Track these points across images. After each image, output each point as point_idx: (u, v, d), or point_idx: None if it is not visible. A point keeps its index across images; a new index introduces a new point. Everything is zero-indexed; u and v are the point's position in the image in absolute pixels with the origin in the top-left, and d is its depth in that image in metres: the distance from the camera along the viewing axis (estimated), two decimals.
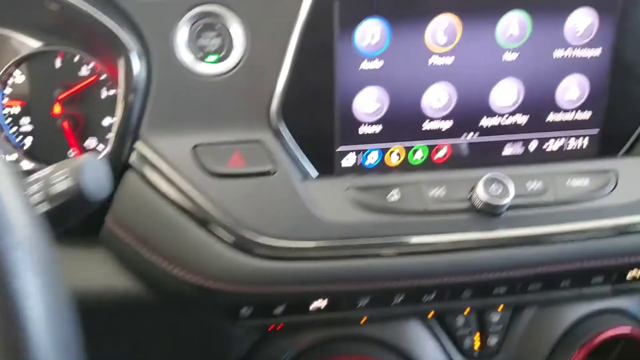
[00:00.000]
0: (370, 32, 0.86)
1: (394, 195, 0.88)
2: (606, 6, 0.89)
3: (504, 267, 0.88)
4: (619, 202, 0.91)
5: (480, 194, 0.86)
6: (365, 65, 0.87)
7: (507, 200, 0.85)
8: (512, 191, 0.85)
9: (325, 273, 0.85)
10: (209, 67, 0.87)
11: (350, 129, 0.91)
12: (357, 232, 0.86)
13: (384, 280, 0.86)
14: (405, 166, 0.94)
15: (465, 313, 1.00)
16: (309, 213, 0.85)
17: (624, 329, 1.01)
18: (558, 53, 0.91)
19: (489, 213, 0.88)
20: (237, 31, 0.86)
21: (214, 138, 0.86)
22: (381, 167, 0.94)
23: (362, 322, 0.96)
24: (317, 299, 0.92)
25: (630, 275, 1.00)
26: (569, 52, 0.91)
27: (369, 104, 0.90)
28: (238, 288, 0.83)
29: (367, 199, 0.88)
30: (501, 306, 1.00)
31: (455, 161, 0.95)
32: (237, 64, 0.87)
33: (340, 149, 0.92)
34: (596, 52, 0.91)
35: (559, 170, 0.92)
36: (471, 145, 0.95)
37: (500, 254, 0.87)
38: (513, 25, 0.88)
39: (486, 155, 0.95)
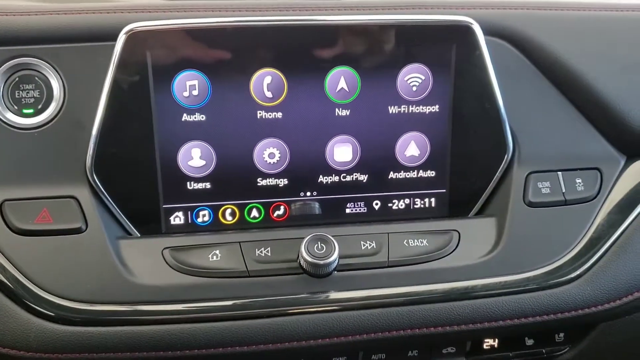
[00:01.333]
0: (189, 84, 0.83)
1: (216, 256, 0.83)
2: (438, 62, 0.87)
3: (333, 332, 0.82)
4: (458, 265, 0.86)
5: (304, 253, 0.81)
6: (187, 118, 0.84)
7: (330, 260, 0.80)
8: (336, 250, 0.81)
9: (132, 339, 0.78)
10: (25, 120, 0.84)
11: (175, 186, 0.86)
12: (170, 296, 0.80)
13: (198, 347, 0.79)
14: (242, 225, 0.89)
15: None
16: (118, 274, 0.80)
17: None
18: (393, 109, 0.88)
19: (316, 274, 0.82)
20: (54, 83, 0.84)
21: (24, 193, 0.82)
22: (215, 226, 0.89)
23: None
24: None
25: (486, 344, 0.94)
26: (404, 108, 0.88)
27: (194, 160, 0.86)
28: (32, 355, 0.77)
29: (185, 260, 0.83)
30: None
31: (296, 220, 0.91)
32: (55, 116, 0.84)
33: (166, 206, 0.87)
34: (434, 108, 0.89)
35: (398, 230, 0.88)
36: (311, 203, 0.91)
37: (329, 317, 0.81)
38: (341, 81, 0.86)
39: (329, 214, 0.91)
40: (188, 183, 0.87)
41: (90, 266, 0.80)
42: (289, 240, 0.85)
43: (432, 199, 0.93)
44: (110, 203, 0.83)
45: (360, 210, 0.92)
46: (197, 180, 0.87)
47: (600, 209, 0.90)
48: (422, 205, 0.93)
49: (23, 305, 0.77)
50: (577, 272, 0.86)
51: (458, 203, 0.93)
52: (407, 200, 0.93)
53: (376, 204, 0.92)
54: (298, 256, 0.83)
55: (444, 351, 0.93)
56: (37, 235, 0.80)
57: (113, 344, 0.77)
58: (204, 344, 0.78)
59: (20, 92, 0.83)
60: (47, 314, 0.77)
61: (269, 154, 0.87)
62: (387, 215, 0.92)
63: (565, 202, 0.90)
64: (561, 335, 0.94)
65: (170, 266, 0.81)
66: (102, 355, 0.77)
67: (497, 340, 0.94)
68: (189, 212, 0.88)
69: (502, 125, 0.90)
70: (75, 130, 0.84)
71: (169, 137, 0.84)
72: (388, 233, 0.87)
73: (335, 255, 0.81)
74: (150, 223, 0.86)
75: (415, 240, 0.87)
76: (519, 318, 0.84)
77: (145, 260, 0.82)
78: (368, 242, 0.86)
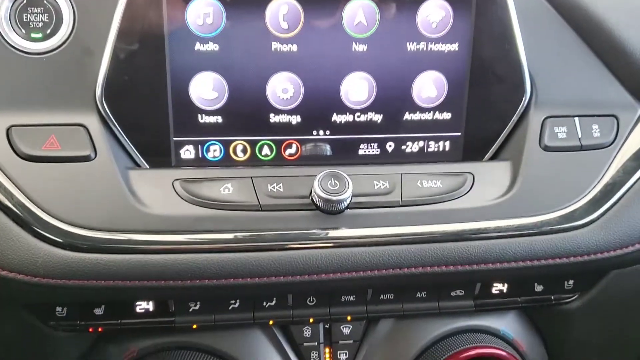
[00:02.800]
0: (203, 11, 0.80)
1: (227, 189, 0.82)
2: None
3: (344, 268, 0.81)
4: (471, 206, 0.84)
5: (317, 189, 0.79)
6: (200, 47, 0.81)
7: (343, 196, 0.79)
8: (349, 187, 0.79)
9: (142, 267, 0.77)
10: (33, 45, 0.81)
11: (186, 118, 0.85)
12: (181, 226, 0.79)
13: (209, 278, 0.78)
14: (254, 162, 0.88)
15: (312, 321, 0.92)
16: (128, 203, 0.78)
17: (491, 350, 0.94)
18: (412, 46, 0.86)
19: (329, 211, 0.81)
20: (64, 7, 0.81)
21: (31, 120, 0.80)
22: (226, 162, 0.87)
23: (193, 327, 0.88)
24: (137, 299, 0.84)
25: (495, 289, 0.94)
26: (423, 45, 0.86)
27: (206, 91, 0.84)
28: (39, 280, 0.75)
29: (196, 192, 0.81)
30: (349, 317, 0.92)
31: (307, 160, 0.89)
32: (64, 42, 0.82)
33: (177, 139, 0.85)
34: (453, 47, 0.87)
35: (411, 171, 0.87)
36: (324, 143, 0.89)
37: (340, 253, 0.80)
38: (360, 13, 0.83)
39: (341, 155, 0.89)
40: (199, 116, 0.85)
41: (100, 194, 0.78)
42: (302, 177, 0.83)
43: (447, 143, 0.92)
44: (120, 133, 0.81)
45: (373, 151, 0.90)
46: (209, 113, 0.85)
47: (616, 156, 0.89)
48: (436, 149, 0.91)
49: (31, 231, 0.75)
50: (591, 217, 0.85)
51: (473, 147, 0.91)
52: (421, 143, 0.91)
53: (389, 145, 0.90)
54: (311, 192, 0.81)
55: (453, 294, 0.92)
56: (45, 162, 0.78)
57: (122, 272, 0.76)
58: (215, 274, 0.77)
59: (29, 15, 0.81)
60: (55, 240, 0.75)
61: (283, 88, 0.85)
62: (400, 158, 0.90)
63: (581, 148, 0.89)
64: (570, 282, 0.94)
65: (181, 197, 0.80)
66: (110, 283, 0.76)
67: (506, 285, 0.93)
68: (200, 146, 0.86)
69: (521, 67, 0.89)
70: (84, 57, 0.81)
71: (181, 66, 0.82)
72: (402, 174, 0.86)
73: (348, 192, 0.79)
74: (160, 155, 0.85)
75: (429, 181, 0.86)
76: (531, 260, 0.83)
77: (156, 190, 0.80)
78: (381, 181, 0.84)
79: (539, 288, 0.94)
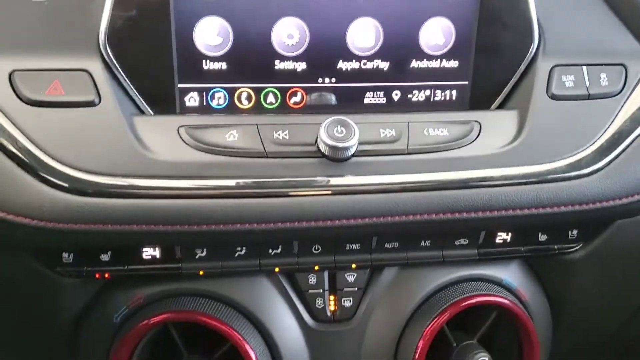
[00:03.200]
0: None
1: (233, 136, 0.81)
2: None
3: (350, 214, 0.81)
4: (478, 154, 0.84)
5: (323, 136, 0.79)
6: None
7: (350, 143, 0.79)
8: (356, 134, 0.79)
9: (148, 212, 0.77)
10: None
11: (191, 64, 0.84)
12: (187, 172, 0.78)
13: (215, 223, 0.78)
14: (258, 110, 0.87)
15: (317, 269, 0.92)
16: (134, 149, 0.78)
17: (494, 298, 0.95)
18: None
19: (334, 158, 0.81)
20: None
21: (34, 64, 0.79)
22: (231, 110, 0.87)
23: (200, 274, 0.88)
24: (143, 245, 0.85)
25: (499, 238, 0.94)
26: None
27: (211, 37, 0.83)
28: (45, 225, 0.75)
29: (202, 138, 0.81)
30: (354, 265, 0.93)
31: (312, 109, 0.88)
32: None
33: (181, 85, 0.84)
34: None
35: (418, 119, 0.86)
36: (329, 91, 0.88)
37: (345, 200, 0.80)
38: None
39: (346, 104, 0.88)
40: (204, 62, 0.84)
41: (105, 140, 0.78)
42: (307, 125, 0.83)
43: (454, 91, 0.91)
44: (124, 79, 0.80)
45: (379, 100, 0.90)
46: (213, 59, 0.84)
47: (623, 105, 0.88)
48: (442, 98, 0.91)
49: (36, 176, 0.75)
50: (597, 166, 0.85)
51: (480, 96, 0.91)
52: (427, 92, 0.90)
53: (396, 94, 0.90)
54: (317, 139, 0.81)
55: (457, 242, 0.93)
56: (49, 107, 0.78)
57: (128, 217, 0.76)
58: (221, 220, 0.77)
59: None
60: (60, 185, 0.75)
61: (288, 34, 0.84)
62: (406, 107, 0.90)
63: (589, 97, 0.88)
64: (574, 232, 0.94)
65: (187, 143, 0.80)
66: (117, 227, 0.76)
67: (510, 234, 0.94)
68: (204, 93, 0.86)
69: (529, 15, 0.87)
70: (87, 1, 0.80)
71: (185, 10, 0.80)
72: (408, 122, 0.85)
73: (355, 139, 0.79)
74: (165, 102, 0.84)
75: (436, 129, 0.85)
76: (536, 208, 0.83)
77: (161, 136, 0.80)
78: (387, 129, 0.84)
79: (542, 237, 0.94)
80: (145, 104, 0.83)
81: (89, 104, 0.78)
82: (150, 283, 0.90)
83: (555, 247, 0.95)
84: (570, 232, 0.94)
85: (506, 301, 0.94)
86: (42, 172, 0.75)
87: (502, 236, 0.94)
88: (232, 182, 0.78)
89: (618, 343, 1.21)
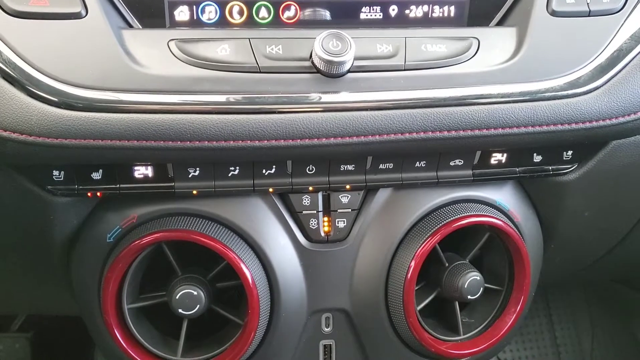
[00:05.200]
0: None
1: (224, 50, 0.79)
2: None
3: (345, 132, 0.80)
4: (476, 71, 0.83)
5: (318, 50, 0.77)
6: None
7: (346, 58, 0.77)
8: (352, 48, 0.77)
9: (139, 127, 0.75)
10: None
11: None
12: (178, 86, 0.76)
13: (206, 139, 0.77)
14: (250, 25, 0.84)
15: (311, 190, 0.92)
16: (123, 62, 0.75)
17: (487, 218, 0.95)
18: None
19: (329, 73, 0.79)
20: None
21: None
22: (222, 24, 0.84)
23: (194, 193, 0.88)
24: (134, 161, 0.83)
25: (494, 159, 0.93)
26: None
27: None
28: (34, 139, 0.74)
29: (193, 52, 0.78)
30: (348, 186, 0.92)
31: (306, 24, 0.86)
32: None
33: None
34: None
35: (416, 35, 0.84)
36: (324, 6, 0.85)
37: (340, 117, 0.79)
38: None
39: (341, 19, 0.86)
40: None
41: (93, 53, 0.75)
42: (302, 39, 0.80)
43: (452, 7, 0.88)
44: None
45: (375, 15, 0.87)
46: None
47: (624, 22, 0.86)
48: (440, 14, 0.88)
49: (23, 90, 0.73)
50: (596, 84, 0.84)
51: (478, 12, 0.88)
52: (425, 8, 0.88)
53: (392, 9, 0.87)
54: (311, 54, 0.79)
55: (452, 163, 0.92)
56: (34, 19, 0.75)
57: (118, 131, 0.75)
58: (214, 136, 0.76)
59: None
60: (48, 99, 0.73)
61: None
62: (403, 23, 0.87)
63: (590, 13, 0.86)
64: (569, 153, 0.94)
65: (177, 57, 0.77)
66: (107, 142, 0.75)
67: (505, 155, 0.93)
68: (194, 7, 0.83)
69: None
70: None
71: None
72: (405, 37, 0.83)
73: (350, 54, 0.77)
74: (154, 16, 0.81)
75: (434, 45, 0.83)
76: (532, 126, 0.83)
77: (151, 50, 0.78)
78: (384, 44, 0.82)
79: (537, 158, 0.94)
80: (133, 17, 0.80)
81: (76, 16, 0.76)
82: (144, 203, 0.89)
83: (550, 168, 0.95)
84: (565, 153, 0.94)
85: (499, 221, 0.94)
86: (29, 86, 0.73)
87: (497, 157, 0.93)
88: (223, 98, 0.77)
89: (603, 267, 1.23)
